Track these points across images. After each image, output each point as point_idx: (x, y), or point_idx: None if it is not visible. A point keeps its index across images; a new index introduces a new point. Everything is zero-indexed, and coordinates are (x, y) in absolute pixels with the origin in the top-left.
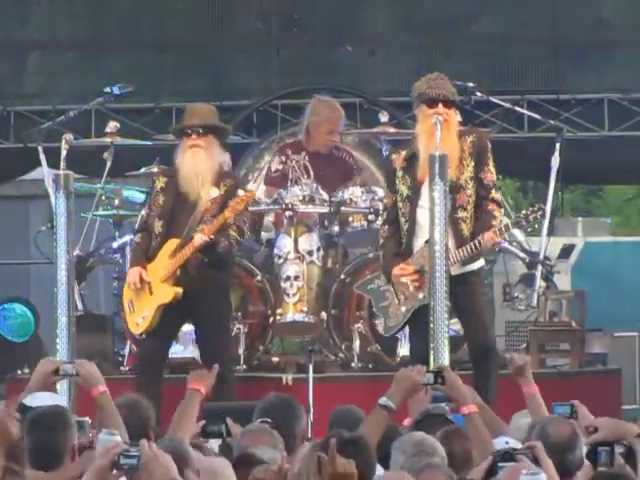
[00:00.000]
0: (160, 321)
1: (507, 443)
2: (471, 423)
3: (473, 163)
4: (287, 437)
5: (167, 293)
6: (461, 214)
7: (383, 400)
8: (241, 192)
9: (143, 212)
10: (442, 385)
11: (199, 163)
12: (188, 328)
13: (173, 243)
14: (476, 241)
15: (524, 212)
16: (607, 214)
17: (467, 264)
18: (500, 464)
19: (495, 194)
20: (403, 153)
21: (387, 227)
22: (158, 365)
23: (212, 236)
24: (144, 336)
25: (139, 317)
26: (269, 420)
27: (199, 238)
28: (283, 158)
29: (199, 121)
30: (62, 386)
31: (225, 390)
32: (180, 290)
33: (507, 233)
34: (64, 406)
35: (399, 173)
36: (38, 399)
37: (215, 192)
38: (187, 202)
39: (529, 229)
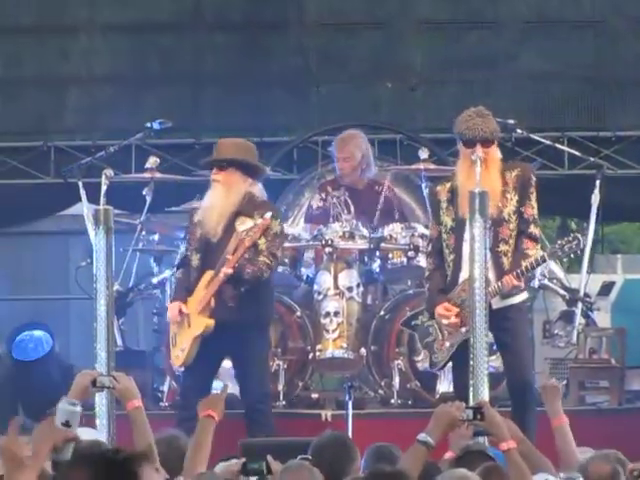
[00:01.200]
0: (199, 354)
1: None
2: (510, 459)
3: (517, 197)
4: (338, 477)
5: (200, 324)
6: (502, 247)
7: (422, 436)
8: (258, 220)
9: (182, 247)
10: (481, 421)
11: (216, 198)
12: (229, 364)
13: (208, 275)
14: (497, 284)
15: (560, 242)
16: None
17: (509, 297)
18: None
19: (534, 229)
20: (448, 185)
21: (432, 259)
22: (199, 400)
23: (235, 266)
24: (183, 369)
25: (179, 350)
26: (309, 457)
27: (223, 271)
28: (324, 195)
29: (221, 155)
30: (101, 419)
31: (264, 425)
32: (212, 322)
33: (546, 269)
34: (102, 441)
35: (443, 205)
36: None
37: (249, 223)
38: (222, 237)
39: (565, 259)
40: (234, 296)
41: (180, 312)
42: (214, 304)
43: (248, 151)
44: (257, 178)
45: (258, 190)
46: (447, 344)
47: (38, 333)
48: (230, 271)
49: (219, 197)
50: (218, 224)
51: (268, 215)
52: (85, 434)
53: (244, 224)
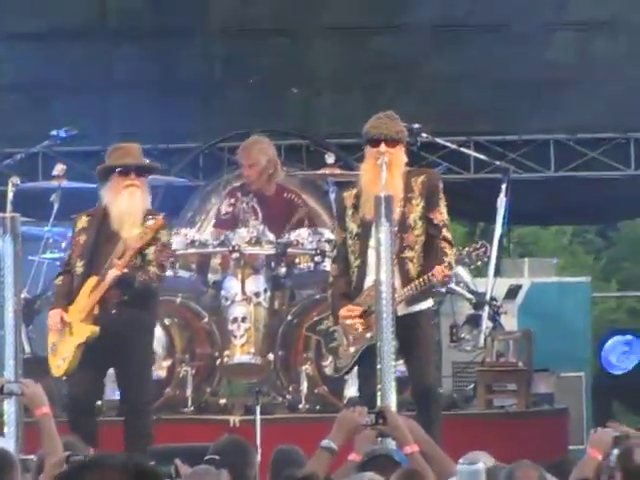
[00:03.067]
0: (82, 362)
1: None
2: (414, 462)
3: (423, 203)
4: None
5: (83, 332)
6: (408, 254)
7: (325, 442)
8: (150, 222)
9: (64, 254)
10: (384, 425)
11: (135, 203)
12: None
13: (92, 281)
14: (425, 277)
15: (467, 249)
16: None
17: (414, 304)
18: None
19: (446, 233)
20: (354, 191)
21: (336, 265)
22: (87, 406)
23: (125, 270)
24: (66, 379)
25: (60, 359)
26: (216, 457)
27: (111, 273)
28: (232, 200)
29: (134, 160)
30: (9, 427)
31: (144, 435)
32: (96, 329)
33: (453, 273)
34: (7, 450)
35: (349, 211)
36: None
37: (137, 229)
38: (110, 241)
39: (472, 266)
40: (117, 303)
41: (61, 320)
42: (97, 311)
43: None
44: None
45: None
46: (351, 349)
47: None
48: (118, 273)
49: (137, 203)
50: (132, 229)
51: (160, 216)
52: None
53: (130, 231)
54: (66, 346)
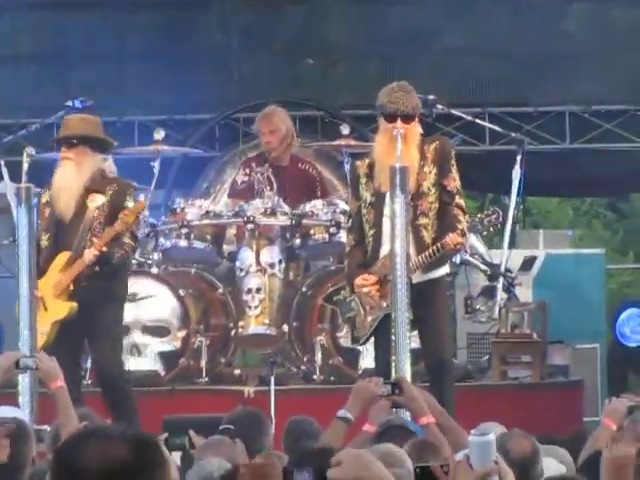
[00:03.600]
0: (58, 336)
1: None
2: (429, 433)
3: (436, 170)
4: (253, 450)
5: (62, 308)
6: (422, 221)
7: (341, 412)
8: (130, 204)
9: None
10: (399, 396)
11: (66, 176)
12: (150, 342)
13: (64, 256)
14: (438, 244)
15: (479, 216)
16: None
17: (429, 271)
18: None
19: (459, 200)
20: (367, 160)
21: (352, 235)
22: (71, 380)
23: (104, 249)
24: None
25: (37, 333)
26: (231, 427)
27: (89, 253)
28: (247, 170)
29: (69, 132)
30: (24, 397)
31: (126, 407)
32: (75, 305)
33: (468, 245)
34: (22, 419)
35: (362, 180)
36: None
37: (101, 199)
38: (74, 214)
39: (484, 233)
40: (88, 276)
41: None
42: (72, 286)
43: (96, 126)
44: (106, 153)
45: (109, 165)
46: (369, 319)
47: None
48: (97, 253)
49: (70, 175)
50: (69, 203)
51: (142, 198)
52: (6, 412)
53: (95, 201)
54: (42, 321)
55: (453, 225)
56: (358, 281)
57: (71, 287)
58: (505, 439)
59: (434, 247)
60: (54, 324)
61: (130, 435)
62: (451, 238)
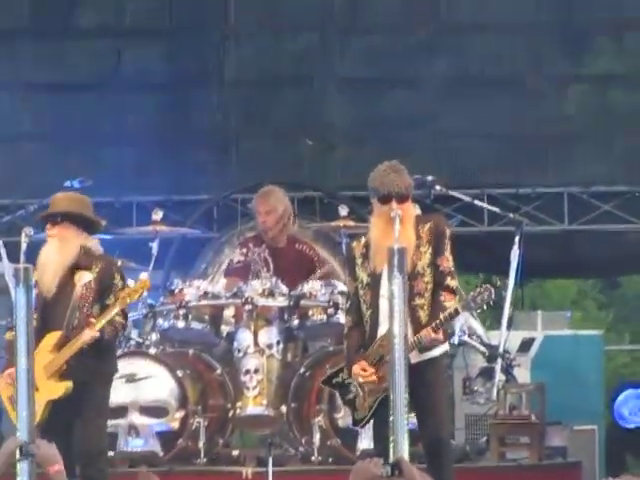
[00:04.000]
0: (50, 416)
1: None
2: None
3: (430, 249)
4: None
5: (57, 388)
6: (418, 301)
7: None
8: (131, 282)
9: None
10: (399, 477)
11: (49, 253)
12: (149, 422)
13: (53, 337)
14: (415, 338)
15: (472, 294)
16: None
17: (426, 350)
18: None
19: (451, 281)
20: (362, 241)
21: (350, 317)
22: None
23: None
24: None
25: None
26: None
27: (88, 335)
28: (244, 250)
29: (53, 209)
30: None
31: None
32: (70, 384)
33: (466, 326)
34: None
35: (359, 261)
36: None
37: (88, 276)
38: (59, 292)
39: (478, 310)
40: (76, 354)
41: None
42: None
43: (82, 204)
44: (92, 232)
45: (95, 244)
46: (369, 400)
47: None
48: (97, 334)
49: (54, 252)
50: (53, 280)
51: (144, 276)
52: None
53: (82, 279)
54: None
55: (435, 314)
56: (356, 370)
57: (64, 367)
58: None
59: (415, 338)
60: (47, 404)
61: None
62: (425, 334)
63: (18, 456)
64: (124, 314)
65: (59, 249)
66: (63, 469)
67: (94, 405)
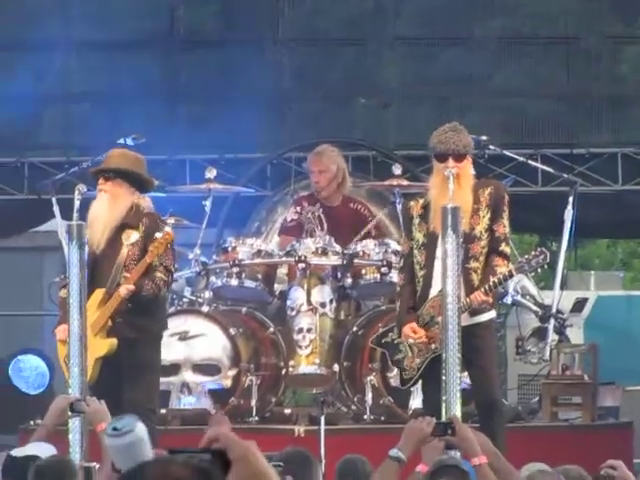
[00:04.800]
0: (100, 374)
1: None
2: (482, 474)
3: (489, 214)
4: None
5: (102, 346)
6: (473, 264)
7: (393, 452)
8: (159, 234)
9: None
10: (452, 436)
11: (100, 208)
12: (201, 380)
13: (99, 294)
14: (466, 300)
15: (526, 257)
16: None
17: (477, 314)
18: None
19: (505, 247)
20: (421, 201)
21: (403, 275)
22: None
23: (136, 282)
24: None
25: None
26: (281, 464)
27: (124, 289)
28: (299, 209)
29: (108, 165)
30: (74, 435)
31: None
32: (115, 341)
33: (519, 286)
34: (68, 458)
35: (416, 221)
36: (26, 450)
37: (135, 236)
38: (107, 249)
39: (532, 273)
40: (123, 311)
41: None
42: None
43: (136, 162)
44: (144, 190)
45: (146, 203)
46: (417, 361)
47: (36, 362)
48: (132, 288)
49: (105, 208)
50: (102, 236)
51: (169, 229)
52: (40, 449)
53: (130, 237)
54: None
55: (486, 277)
56: (407, 331)
57: (109, 324)
58: (529, 476)
59: (466, 301)
60: (96, 362)
61: (192, 463)
62: (475, 297)
63: (69, 413)
64: (167, 270)
65: (110, 206)
66: None
67: (141, 362)
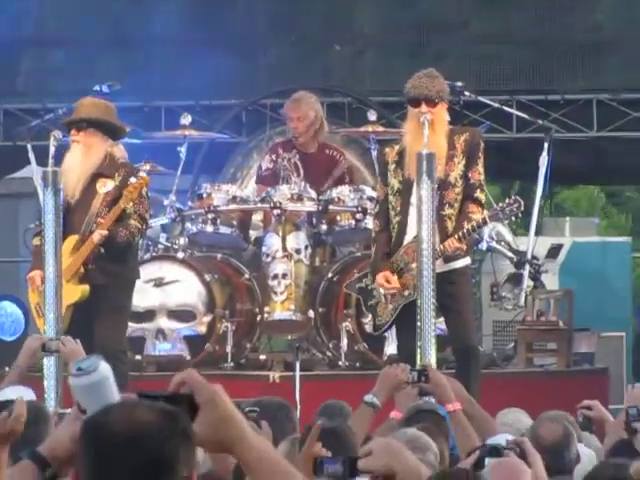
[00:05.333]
0: (72, 320)
1: (508, 441)
2: (456, 420)
3: (464, 161)
4: (277, 434)
5: (74, 292)
6: (448, 211)
7: (368, 397)
8: (133, 179)
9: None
10: (426, 383)
11: (74, 159)
12: (176, 326)
13: (72, 240)
14: (440, 246)
15: (500, 204)
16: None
17: (451, 261)
18: (487, 459)
19: (479, 194)
20: (396, 147)
21: (378, 221)
22: None
23: (110, 229)
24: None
25: None
26: (256, 409)
27: (97, 234)
28: (274, 157)
29: (79, 115)
30: (49, 381)
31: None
32: (87, 287)
33: (494, 232)
34: (40, 403)
35: (391, 167)
36: (5, 394)
37: (110, 184)
38: (82, 198)
39: (506, 221)
40: (95, 257)
41: (43, 281)
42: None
43: (107, 110)
44: (116, 138)
45: (119, 151)
46: (390, 307)
47: (11, 308)
48: (105, 233)
49: (78, 158)
50: (77, 186)
51: (143, 174)
52: (18, 393)
53: (105, 186)
54: None
55: (460, 224)
56: (380, 280)
57: (82, 270)
58: (535, 426)
59: (440, 247)
60: (68, 308)
61: (158, 406)
62: (448, 243)
63: (42, 352)
64: (141, 218)
65: (83, 155)
66: None
67: (112, 306)
